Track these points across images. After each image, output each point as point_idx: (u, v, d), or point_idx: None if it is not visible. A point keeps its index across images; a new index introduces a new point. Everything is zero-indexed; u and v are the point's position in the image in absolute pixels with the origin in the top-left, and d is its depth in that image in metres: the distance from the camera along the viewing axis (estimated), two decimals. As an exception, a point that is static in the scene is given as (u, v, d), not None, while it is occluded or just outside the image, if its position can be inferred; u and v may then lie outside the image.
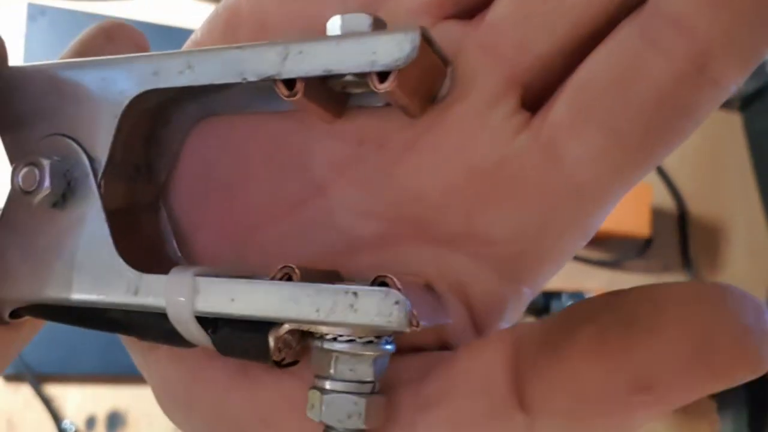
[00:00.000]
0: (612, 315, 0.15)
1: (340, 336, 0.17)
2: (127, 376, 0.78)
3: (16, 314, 0.21)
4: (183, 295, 0.18)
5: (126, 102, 0.19)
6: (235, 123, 0.21)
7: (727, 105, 1.05)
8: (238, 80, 0.18)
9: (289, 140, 0.21)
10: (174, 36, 0.82)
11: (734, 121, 1.07)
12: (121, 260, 0.19)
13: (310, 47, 0.17)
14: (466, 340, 0.19)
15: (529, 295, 0.19)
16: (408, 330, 0.16)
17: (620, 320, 0.15)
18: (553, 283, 0.94)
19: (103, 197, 0.19)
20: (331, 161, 0.20)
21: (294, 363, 0.19)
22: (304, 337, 0.18)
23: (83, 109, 0.19)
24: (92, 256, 0.19)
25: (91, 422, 0.77)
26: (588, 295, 0.84)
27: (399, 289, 0.16)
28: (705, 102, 0.17)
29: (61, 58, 0.22)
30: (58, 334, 0.74)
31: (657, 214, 0.97)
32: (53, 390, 0.76)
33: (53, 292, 0.19)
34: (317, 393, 0.17)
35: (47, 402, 0.75)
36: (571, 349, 0.16)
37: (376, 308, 0.16)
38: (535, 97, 0.18)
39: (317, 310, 0.16)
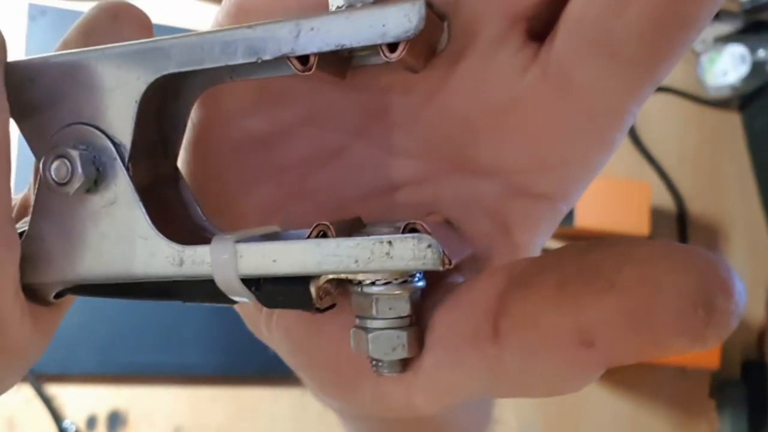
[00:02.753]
0: (576, 267, 0.16)
1: (378, 280, 0.19)
2: (128, 375, 0.78)
3: (58, 294, 0.22)
4: (228, 262, 0.19)
5: (144, 88, 0.20)
6: (243, 87, 0.22)
7: (726, 104, 1.05)
8: (254, 60, 0.19)
9: (316, 96, 0.22)
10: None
11: (733, 120, 1.07)
12: (160, 236, 0.20)
13: (320, 23, 0.18)
14: (498, 258, 0.21)
15: (565, 208, 0.21)
16: (442, 269, 0.17)
17: (582, 273, 0.16)
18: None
19: (132, 178, 0.20)
20: (363, 110, 0.21)
21: (332, 306, 0.20)
22: (342, 284, 0.20)
23: (101, 97, 0.20)
24: (131, 234, 0.20)
25: (91, 422, 0.78)
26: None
27: (429, 233, 0.18)
28: (702, 10, 0.17)
29: (67, 38, 0.22)
30: (59, 334, 0.74)
31: (656, 213, 0.97)
32: (54, 390, 0.76)
33: (99, 272, 0.20)
34: (361, 332, 0.19)
35: (48, 402, 0.75)
36: (537, 293, 0.17)
37: (411, 253, 0.17)
38: (543, 25, 0.19)
39: (356, 262, 0.18)
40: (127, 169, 0.20)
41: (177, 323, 0.79)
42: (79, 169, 0.19)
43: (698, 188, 1.04)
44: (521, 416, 0.93)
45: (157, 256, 0.19)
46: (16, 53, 0.85)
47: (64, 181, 0.19)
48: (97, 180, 0.20)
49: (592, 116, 0.18)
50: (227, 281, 0.19)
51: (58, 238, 0.20)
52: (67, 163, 0.19)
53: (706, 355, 0.90)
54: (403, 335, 0.19)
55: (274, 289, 0.19)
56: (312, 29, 0.18)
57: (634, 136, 1.00)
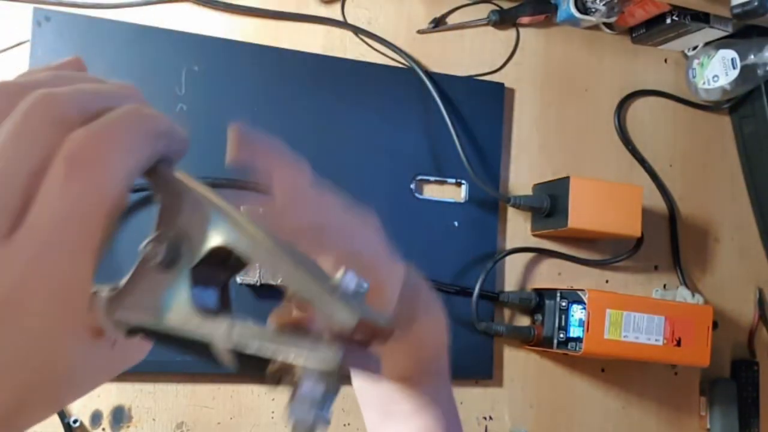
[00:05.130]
0: None
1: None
2: (132, 373, 0.79)
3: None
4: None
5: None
6: None
7: (716, 107, 1.07)
8: None
9: None
10: (175, 40, 0.83)
11: (724, 123, 1.09)
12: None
13: None
14: None
15: None
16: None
17: None
18: (547, 283, 0.96)
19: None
20: None
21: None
22: None
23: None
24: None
25: (96, 418, 0.79)
26: (581, 294, 0.86)
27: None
28: None
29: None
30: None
31: (648, 215, 0.99)
32: (59, 387, 0.77)
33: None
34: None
35: (53, 399, 0.76)
36: None
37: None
38: None
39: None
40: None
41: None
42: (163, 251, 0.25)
43: (689, 190, 1.05)
44: (514, 414, 0.95)
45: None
46: (20, 58, 0.85)
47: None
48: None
49: None
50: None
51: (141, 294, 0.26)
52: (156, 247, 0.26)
53: (697, 354, 0.91)
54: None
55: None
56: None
57: (626, 139, 1.02)
